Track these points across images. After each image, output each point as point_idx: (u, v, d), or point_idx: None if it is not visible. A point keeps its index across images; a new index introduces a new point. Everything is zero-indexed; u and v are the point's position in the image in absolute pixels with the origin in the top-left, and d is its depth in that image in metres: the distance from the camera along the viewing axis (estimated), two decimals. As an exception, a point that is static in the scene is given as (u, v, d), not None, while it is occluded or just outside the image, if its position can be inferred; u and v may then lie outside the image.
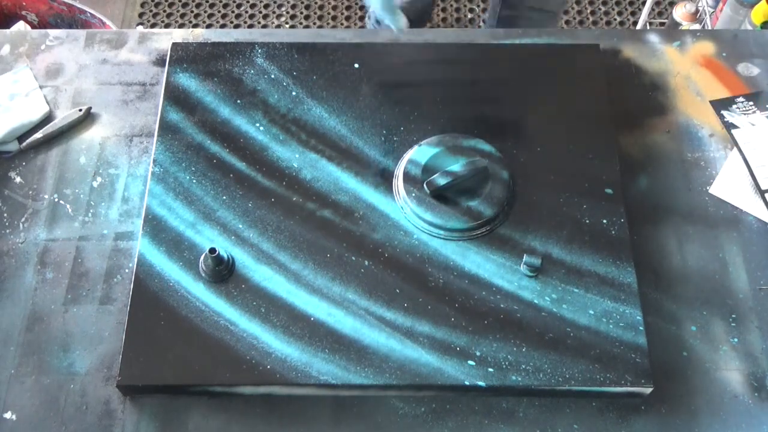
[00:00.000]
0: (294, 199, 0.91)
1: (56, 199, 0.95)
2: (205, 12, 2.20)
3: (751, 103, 1.03)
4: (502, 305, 0.84)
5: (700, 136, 1.01)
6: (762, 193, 0.96)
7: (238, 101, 0.99)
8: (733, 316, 0.87)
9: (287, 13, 2.21)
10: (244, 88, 1.00)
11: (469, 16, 2.19)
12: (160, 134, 0.96)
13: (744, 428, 0.81)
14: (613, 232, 0.89)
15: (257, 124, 0.97)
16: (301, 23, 2.18)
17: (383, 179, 0.93)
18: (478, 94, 1.00)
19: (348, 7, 2.22)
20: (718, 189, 0.96)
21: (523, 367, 0.81)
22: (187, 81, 1.00)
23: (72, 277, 0.89)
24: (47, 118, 1.01)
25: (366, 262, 0.87)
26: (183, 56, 1.02)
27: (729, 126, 1.01)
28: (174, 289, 0.85)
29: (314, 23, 2.18)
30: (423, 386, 0.81)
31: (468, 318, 0.83)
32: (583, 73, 1.02)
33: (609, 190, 0.92)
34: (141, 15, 2.19)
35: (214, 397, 0.82)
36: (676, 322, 0.87)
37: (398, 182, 0.92)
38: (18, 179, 0.97)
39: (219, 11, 2.20)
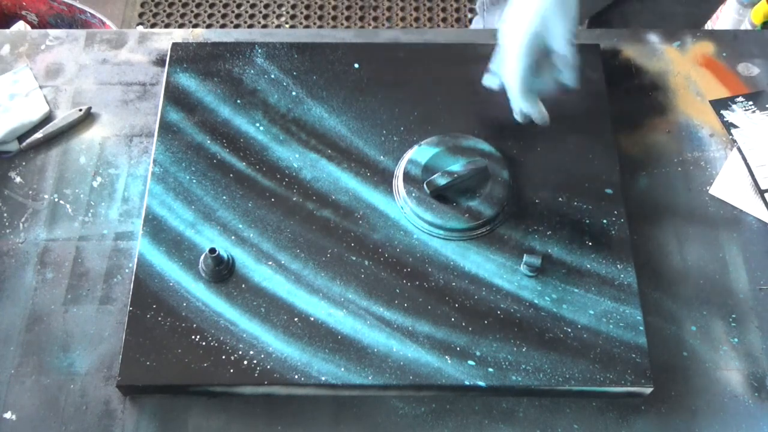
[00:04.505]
0: (294, 199, 0.91)
1: (56, 199, 0.95)
2: (205, 12, 2.20)
3: (751, 102, 1.03)
4: (502, 305, 0.84)
5: (700, 136, 1.01)
6: (762, 193, 0.96)
7: (238, 101, 0.99)
8: (733, 316, 0.87)
9: (287, 13, 2.21)
10: (244, 88, 1.00)
11: (469, 16, 2.19)
12: (160, 134, 0.96)
13: (744, 428, 0.81)
14: (613, 232, 0.89)
15: (257, 124, 0.97)
16: (301, 23, 2.18)
17: (383, 179, 0.93)
18: (478, 94, 1.00)
19: (348, 7, 2.22)
20: (718, 189, 0.96)
21: (523, 367, 0.81)
22: (187, 81, 1.00)
23: (72, 277, 0.89)
24: (47, 118, 1.01)
25: (366, 262, 0.87)
26: (183, 56, 1.02)
27: (729, 126, 1.01)
28: (174, 289, 0.85)
29: (314, 23, 2.18)
30: (423, 386, 0.81)
31: (468, 318, 0.83)
32: (583, 73, 1.02)
33: (609, 190, 0.92)
34: (141, 15, 2.19)
35: (214, 397, 0.82)
36: (676, 322, 0.87)
37: (398, 182, 0.92)
38: (18, 179, 0.97)
39: (219, 11, 2.21)
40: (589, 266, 0.87)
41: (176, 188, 0.92)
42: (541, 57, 0.78)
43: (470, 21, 2.17)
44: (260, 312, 0.84)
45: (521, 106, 0.79)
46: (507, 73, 0.77)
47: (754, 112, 1.02)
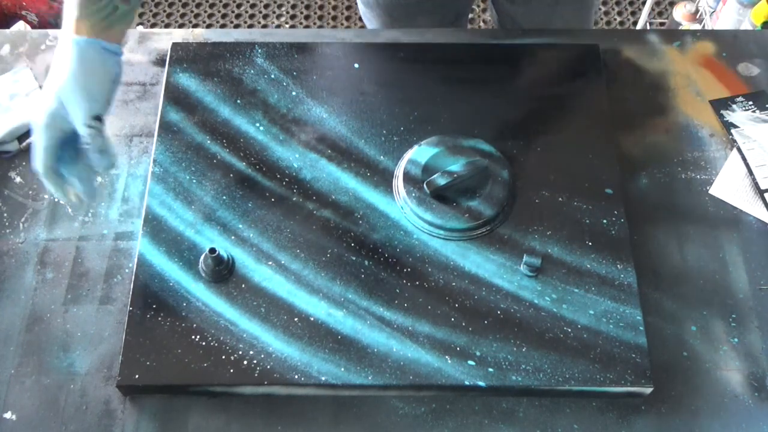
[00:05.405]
0: (294, 199, 0.91)
1: (56, 199, 0.95)
2: (205, 12, 2.20)
3: (751, 102, 1.03)
4: (502, 305, 0.84)
5: (700, 136, 1.01)
6: (761, 193, 0.96)
7: (238, 101, 0.99)
8: (733, 316, 0.87)
9: (287, 13, 2.21)
10: (244, 88, 1.00)
11: (470, 15, 2.19)
12: (160, 134, 0.96)
13: (744, 428, 0.81)
14: (613, 232, 0.89)
15: (257, 124, 0.97)
16: (301, 23, 2.18)
17: (383, 179, 0.93)
18: (478, 94, 1.00)
19: (348, 7, 2.22)
20: (718, 189, 0.96)
21: (523, 367, 0.81)
22: (187, 81, 1.00)
23: (72, 277, 0.89)
24: (47, 118, 1.01)
25: (366, 262, 0.87)
26: (183, 56, 1.02)
27: (729, 126, 1.01)
28: (174, 289, 0.85)
29: (314, 23, 2.18)
30: (423, 386, 0.81)
31: (468, 318, 0.83)
32: (583, 73, 1.02)
33: (609, 190, 0.92)
34: (141, 15, 2.20)
35: (214, 397, 0.82)
36: (676, 322, 0.87)
37: (398, 182, 0.92)
38: (18, 179, 0.97)
39: (219, 11, 2.21)
40: (589, 266, 0.87)
41: (176, 188, 0.92)
42: (68, 139, 0.77)
43: (470, 21, 2.16)
44: (260, 312, 0.84)
45: (48, 187, 0.78)
46: (32, 155, 0.76)
47: (754, 112, 1.02)
